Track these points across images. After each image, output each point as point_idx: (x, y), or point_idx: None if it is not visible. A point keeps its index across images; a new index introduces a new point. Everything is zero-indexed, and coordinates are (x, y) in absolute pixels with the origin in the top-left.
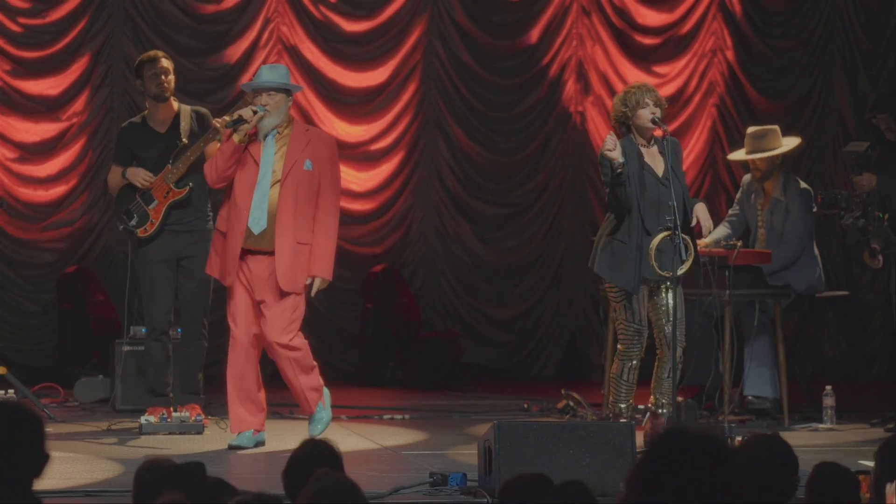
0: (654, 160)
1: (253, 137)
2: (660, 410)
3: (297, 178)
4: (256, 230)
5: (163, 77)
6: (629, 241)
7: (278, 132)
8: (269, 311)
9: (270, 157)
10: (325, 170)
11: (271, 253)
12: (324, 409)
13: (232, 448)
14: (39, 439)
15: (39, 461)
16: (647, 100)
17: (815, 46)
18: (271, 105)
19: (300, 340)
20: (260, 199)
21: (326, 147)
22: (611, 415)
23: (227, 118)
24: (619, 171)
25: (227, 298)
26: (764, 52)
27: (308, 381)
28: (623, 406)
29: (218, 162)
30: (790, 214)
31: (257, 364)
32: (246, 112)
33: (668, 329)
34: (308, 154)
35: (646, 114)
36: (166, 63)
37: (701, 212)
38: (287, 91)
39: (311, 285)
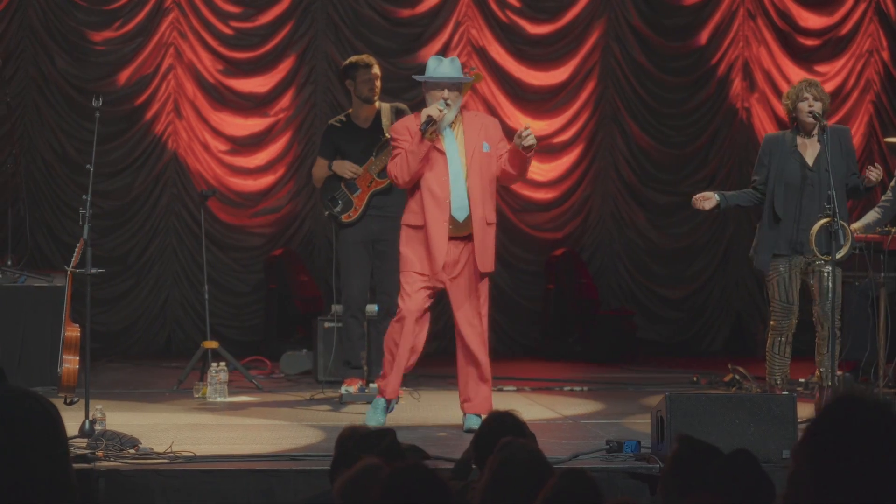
0: (807, 149)
1: (437, 131)
2: (826, 384)
3: (480, 162)
4: (461, 218)
5: (375, 82)
6: (764, 223)
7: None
8: (462, 292)
9: (454, 146)
10: (501, 148)
11: (464, 238)
12: None
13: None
14: (53, 431)
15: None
16: (806, 94)
17: None
18: (452, 98)
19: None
20: (459, 189)
21: (496, 128)
22: (768, 387)
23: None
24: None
25: (402, 273)
26: None
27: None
28: (778, 378)
29: (410, 163)
30: None
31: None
32: (433, 111)
33: (824, 309)
34: (483, 137)
35: (804, 106)
36: (377, 70)
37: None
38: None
39: None
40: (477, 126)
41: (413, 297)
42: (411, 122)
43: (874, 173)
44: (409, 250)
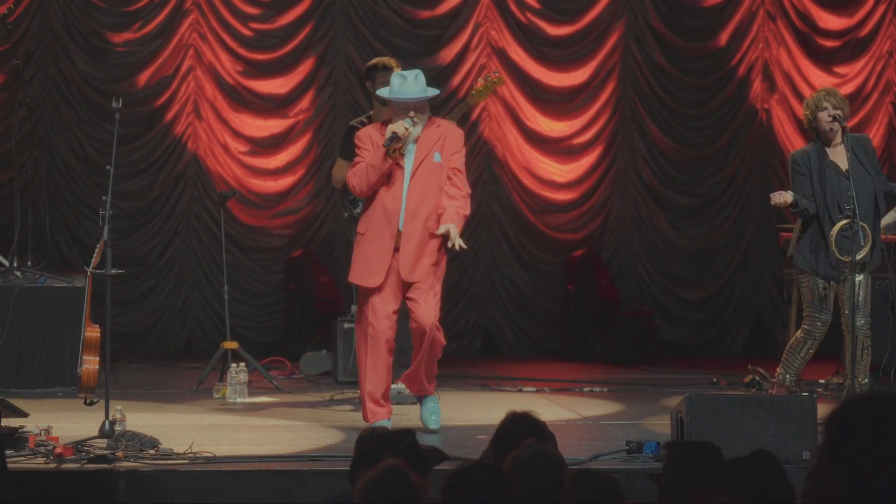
0: (838, 157)
1: (401, 149)
2: (857, 389)
3: (427, 171)
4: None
5: None
6: (815, 233)
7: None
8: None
9: (412, 160)
10: (454, 161)
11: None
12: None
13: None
14: None
15: None
16: (825, 103)
17: None
18: (419, 116)
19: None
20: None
21: (456, 140)
22: (776, 383)
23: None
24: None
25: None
26: None
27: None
28: (789, 378)
29: (370, 177)
30: None
31: None
32: (398, 128)
33: (851, 313)
34: (438, 147)
35: (824, 116)
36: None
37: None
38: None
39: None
40: (434, 136)
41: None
42: (375, 133)
43: None
44: (362, 261)
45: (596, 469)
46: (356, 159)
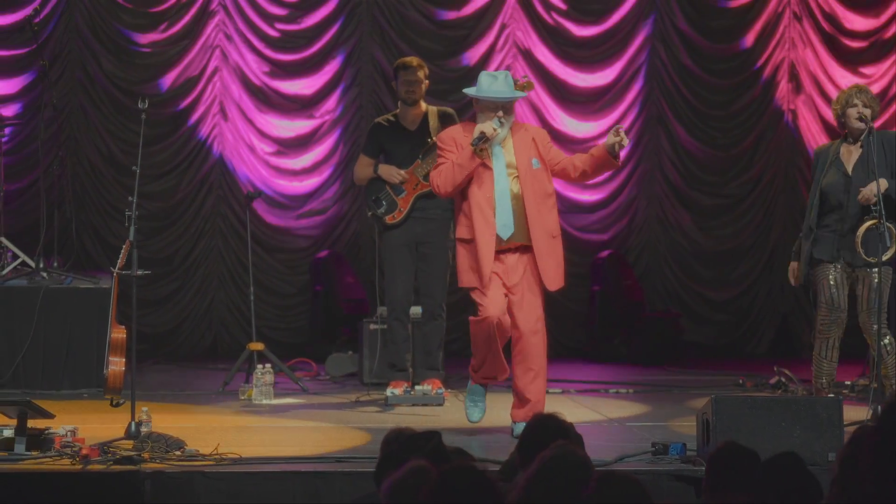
0: (851, 156)
1: (488, 150)
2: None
3: (532, 179)
4: (505, 236)
5: (414, 86)
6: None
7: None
8: (521, 301)
9: (502, 162)
10: (553, 155)
11: (518, 248)
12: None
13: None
14: None
15: None
16: (855, 100)
17: None
18: (506, 116)
19: None
20: (504, 206)
21: (544, 138)
22: (814, 390)
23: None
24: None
25: (472, 293)
26: None
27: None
28: (824, 381)
29: (456, 176)
30: None
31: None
32: (487, 128)
33: (871, 316)
34: (533, 153)
35: (853, 112)
36: (421, 74)
37: (871, 184)
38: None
39: None
40: (526, 142)
41: (492, 298)
42: (458, 134)
43: None
44: (466, 264)
45: (621, 471)
46: (440, 160)
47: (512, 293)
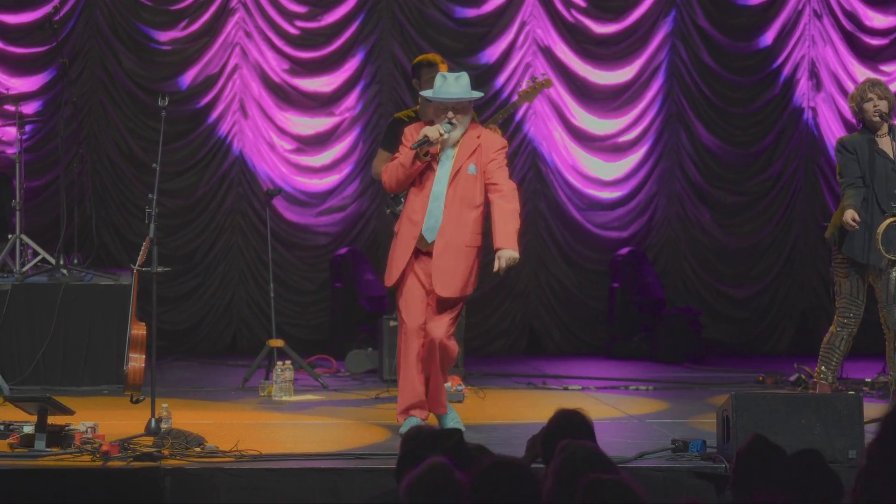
0: (885, 146)
1: (435, 154)
2: None
3: (462, 184)
4: (430, 239)
5: None
6: (863, 216)
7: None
8: (434, 305)
9: (447, 166)
10: (490, 169)
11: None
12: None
13: None
14: None
15: None
16: (870, 94)
17: None
18: (458, 119)
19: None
20: (436, 209)
21: (493, 149)
22: (815, 380)
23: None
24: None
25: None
26: None
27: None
28: (831, 375)
29: (399, 175)
30: None
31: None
32: (432, 132)
33: (892, 312)
34: (474, 158)
35: (869, 107)
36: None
37: None
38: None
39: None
40: (472, 146)
41: (408, 306)
42: (417, 130)
43: None
44: (392, 260)
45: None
46: (396, 154)
47: (430, 296)
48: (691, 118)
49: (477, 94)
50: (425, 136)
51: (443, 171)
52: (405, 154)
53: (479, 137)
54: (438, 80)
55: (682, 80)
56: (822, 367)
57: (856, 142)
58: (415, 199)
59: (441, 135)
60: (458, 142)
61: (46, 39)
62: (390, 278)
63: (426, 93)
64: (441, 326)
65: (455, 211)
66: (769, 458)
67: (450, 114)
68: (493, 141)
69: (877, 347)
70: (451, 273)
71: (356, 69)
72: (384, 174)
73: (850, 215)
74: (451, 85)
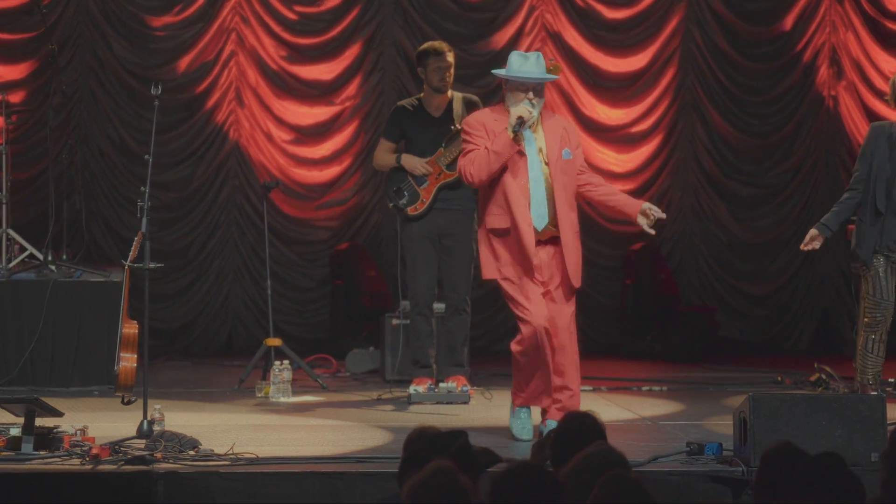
0: None
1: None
2: None
3: (563, 169)
4: (540, 227)
5: (447, 71)
6: (865, 219)
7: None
8: (559, 299)
9: (533, 149)
10: (577, 157)
11: (547, 242)
12: None
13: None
14: None
15: None
16: None
17: None
18: (537, 99)
19: None
20: (538, 195)
21: (576, 134)
22: (859, 386)
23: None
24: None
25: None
26: None
27: None
28: (870, 377)
29: (492, 164)
30: None
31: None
32: (523, 111)
33: None
34: (565, 143)
35: None
36: (451, 58)
37: None
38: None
39: None
40: (558, 130)
41: (534, 305)
42: (488, 118)
43: None
44: (503, 256)
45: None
46: (468, 147)
47: (547, 288)
48: (707, 107)
49: (553, 77)
50: (520, 116)
51: (533, 155)
52: (498, 140)
53: (558, 121)
54: (516, 58)
55: (697, 68)
56: (860, 375)
57: (879, 131)
58: (513, 188)
59: (529, 112)
60: (535, 123)
61: (34, 25)
62: (502, 272)
63: (500, 71)
64: (568, 314)
65: (563, 196)
66: (793, 462)
67: (530, 94)
68: (573, 127)
69: None
70: (578, 261)
71: (357, 56)
72: (467, 168)
73: (808, 236)
74: (532, 65)
